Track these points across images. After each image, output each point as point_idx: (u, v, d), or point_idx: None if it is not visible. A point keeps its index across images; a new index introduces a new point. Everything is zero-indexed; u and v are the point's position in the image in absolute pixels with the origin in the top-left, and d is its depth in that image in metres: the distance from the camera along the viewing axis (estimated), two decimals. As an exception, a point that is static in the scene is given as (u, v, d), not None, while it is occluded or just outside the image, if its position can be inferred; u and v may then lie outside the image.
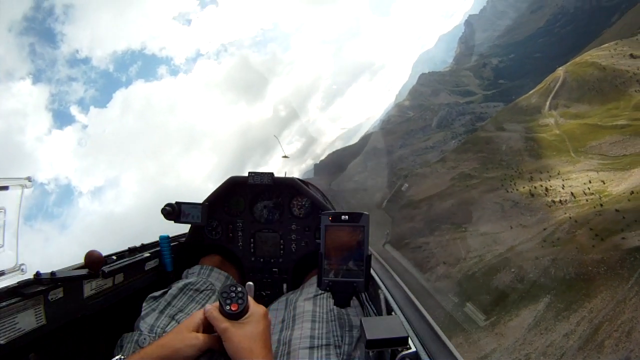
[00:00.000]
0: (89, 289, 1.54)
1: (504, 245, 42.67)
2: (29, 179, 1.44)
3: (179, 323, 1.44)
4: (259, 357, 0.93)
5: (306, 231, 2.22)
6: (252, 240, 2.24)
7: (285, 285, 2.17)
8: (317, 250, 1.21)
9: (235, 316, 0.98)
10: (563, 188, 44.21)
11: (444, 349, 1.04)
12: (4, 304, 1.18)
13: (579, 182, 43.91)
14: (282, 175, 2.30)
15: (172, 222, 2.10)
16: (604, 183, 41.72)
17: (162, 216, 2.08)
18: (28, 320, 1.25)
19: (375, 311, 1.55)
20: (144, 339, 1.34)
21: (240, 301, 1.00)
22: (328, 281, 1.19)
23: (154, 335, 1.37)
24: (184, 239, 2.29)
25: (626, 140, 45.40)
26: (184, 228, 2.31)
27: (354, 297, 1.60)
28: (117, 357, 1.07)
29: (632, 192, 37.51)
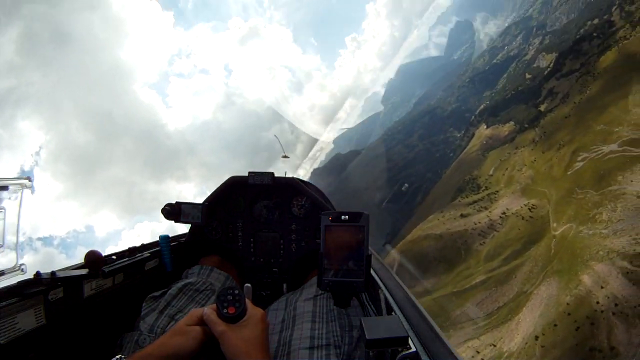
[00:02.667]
0: (89, 289, 1.54)
1: None
2: (29, 178, 1.44)
3: None
4: None
5: (306, 231, 2.21)
6: (252, 240, 2.24)
7: (285, 285, 2.16)
8: (317, 250, 1.21)
9: (232, 319, 0.98)
10: (455, 371, 38.82)
11: (444, 349, 1.03)
12: (4, 304, 1.18)
13: (465, 358, 38.57)
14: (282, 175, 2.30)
15: (173, 221, 2.10)
16: (495, 345, 34.52)
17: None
18: (28, 320, 1.25)
19: (375, 311, 1.54)
20: (144, 338, 1.34)
21: (237, 304, 0.99)
22: (328, 281, 1.19)
23: (153, 335, 1.37)
24: (183, 239, 2.29)
25: (493, 293, 40.02)
26: (183, 228, 2.32)
27: (354, 297, 1.60)
28: (117, 357, 1.07)
29: (536, 337, 31.39)
